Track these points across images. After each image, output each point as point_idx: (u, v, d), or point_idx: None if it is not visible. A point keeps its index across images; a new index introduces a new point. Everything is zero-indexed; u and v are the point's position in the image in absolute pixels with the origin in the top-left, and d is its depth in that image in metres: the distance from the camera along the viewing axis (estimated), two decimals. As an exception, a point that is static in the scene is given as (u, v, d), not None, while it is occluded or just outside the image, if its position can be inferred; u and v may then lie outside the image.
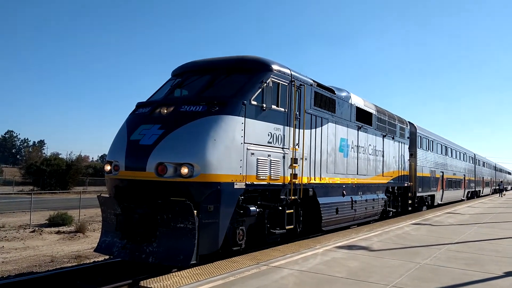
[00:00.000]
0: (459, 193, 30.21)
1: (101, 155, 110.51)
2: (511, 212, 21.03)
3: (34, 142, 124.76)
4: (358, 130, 13.27)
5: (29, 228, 18.46)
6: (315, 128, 10.73)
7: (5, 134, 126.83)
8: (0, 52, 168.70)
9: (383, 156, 15.24)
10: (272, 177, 8.83)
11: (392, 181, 16.08)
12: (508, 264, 7.65)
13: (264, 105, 8.58)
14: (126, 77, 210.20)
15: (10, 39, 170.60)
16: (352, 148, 12.83)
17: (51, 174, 46.75)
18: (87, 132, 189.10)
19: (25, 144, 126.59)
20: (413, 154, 19.20)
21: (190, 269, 6.52)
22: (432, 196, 22.33)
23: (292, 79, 9.61)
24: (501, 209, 23.65)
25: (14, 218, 21.85)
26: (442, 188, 24.56)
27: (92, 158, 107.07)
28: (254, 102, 8.36)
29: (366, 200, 13.53)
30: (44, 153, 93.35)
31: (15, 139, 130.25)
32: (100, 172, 57.37)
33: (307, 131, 10.23)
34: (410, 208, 18.29)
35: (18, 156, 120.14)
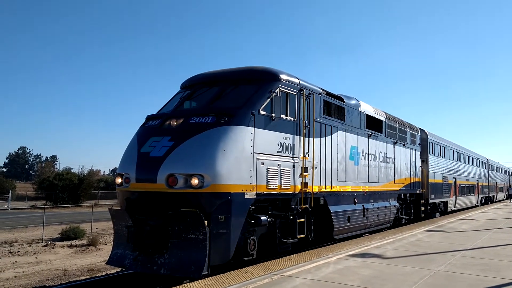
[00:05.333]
0: (472, 199, 29.81)
1: (113, 169, 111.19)
2: (527, 218, 20.68)
3: (47, 157, 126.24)
4: (368, 138, 13.22)
5: (42, 242, 18.58)
6: (325, 136, 10.71)
7: (18, 150, 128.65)
8: (12, 69, 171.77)
9: (394, 163, 15.14)
10: (282, 186, 8.81)
11: (404, 188, 15.94)
12: (525, 270, 7.50)
13: (273, 115, 8.60)
14: (137, 90, 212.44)
15: (20, 55, 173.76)
16: (362, 156, 12.77)
17: (64, 189, 47.15)
18: (98, 146, 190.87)
19: (38, 159, 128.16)
20: (424, 161, 19.04)
21: (202, 280, 6.50)
22: (445, 203, 22.07)
23: (301, 88, 9.64)
24: (516, 214, 23.26)
25: (27, 233, 22.03)
26: (455, 194, 24.27)
27: (104, 171, 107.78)
28: (263, 112, 8.39)
29: (378, 208, 13.42)
30: (56, 167, 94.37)
31: (28, 154, 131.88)
32: (112, 185, 57.64)
33: (316, 140, 10.21)
34: (423, 215, 18.10)
35: (31, 172, 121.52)
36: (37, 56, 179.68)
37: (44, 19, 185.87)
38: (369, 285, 6.20)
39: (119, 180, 8.30)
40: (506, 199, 48.43)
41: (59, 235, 19.88)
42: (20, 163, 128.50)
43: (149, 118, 8.96)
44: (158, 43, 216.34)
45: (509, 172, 57.88)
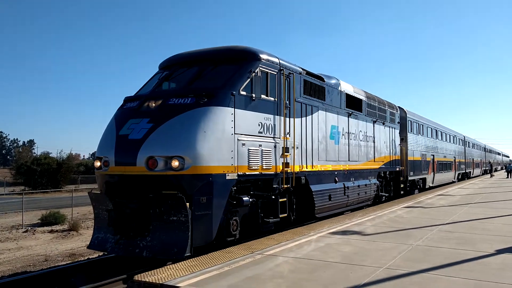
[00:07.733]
0: (450, 175, 30.52)
1: (92, 153, 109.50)
2: (501, 192, 21.32)
3: (24, 142, 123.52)
4: (348, 117, 13.30)
5: (22, 228, 18.33)
6: (306, 116, 10.72)
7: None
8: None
9: (374, 142, 15.31)
10: (264, 167, 8.83)
11: (383, 166, 16.18)
12: (499, 242, 7.75)
13: (254, 95, 8.54)
14: (115, 72, 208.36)
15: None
16: (343, 135, 12.87)
17: (42, 174, 46.28)
18: (76, 130, 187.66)
19: (15, 144, 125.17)
20: (404, 139, 19.33)
21: (184, 261, 6.50)
22: (424, 179, 22.54)
23: (281, 68, 9.58)
24: (491, 189, 23.96)
25: (6, 219, 21.67)
26: (433, 171, 24.78)
27: (83, 156, 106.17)
28: (243, 92, 8.33)
29: (358, 186, 13.61)
30: (34, 152, 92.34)
31: (5, 139, 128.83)
32: (92, 169, 56.82)
33: (297, 120, 10.22)
34: (402, 192, 18.46)
35: (8, 157, 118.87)
36: (13, 39, 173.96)
37: (21, 5, 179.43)
38: (350, 261, 6.31)
39: (98, 163, 8.18)
40: (483, 174, 49.79)
41: (39, 221, 19.63)
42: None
43: (127, 100, 8.80)
44: (134, 23, 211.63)
45: (485, 148, 59.38)
